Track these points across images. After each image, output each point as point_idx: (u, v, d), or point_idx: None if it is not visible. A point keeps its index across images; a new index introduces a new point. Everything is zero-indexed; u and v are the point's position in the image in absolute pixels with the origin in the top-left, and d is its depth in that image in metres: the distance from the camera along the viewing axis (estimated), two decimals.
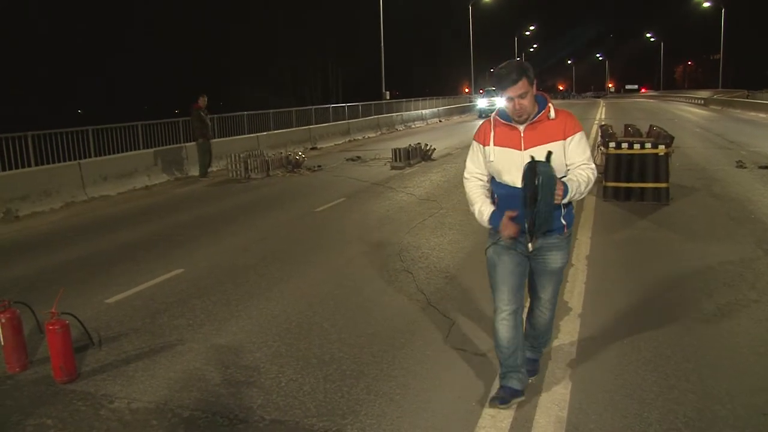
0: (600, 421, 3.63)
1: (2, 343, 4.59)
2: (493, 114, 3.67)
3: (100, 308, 5.93)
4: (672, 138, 10.64)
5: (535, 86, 3.48)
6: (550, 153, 3.39)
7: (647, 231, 8.36)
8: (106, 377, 4.47)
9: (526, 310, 3.97)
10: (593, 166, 3.56)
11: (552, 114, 3.55)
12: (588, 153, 3.57)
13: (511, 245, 3.66)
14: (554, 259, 3.70)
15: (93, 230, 9.85)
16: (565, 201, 3.42)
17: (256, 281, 6.65)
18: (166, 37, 53.07)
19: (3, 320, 4.55)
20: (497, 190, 3.67)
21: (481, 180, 3.76)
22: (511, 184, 3.54)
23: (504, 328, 3.69)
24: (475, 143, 3.76)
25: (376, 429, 3.63)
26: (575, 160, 3.53)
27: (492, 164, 3.62)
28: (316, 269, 7.07)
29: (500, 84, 3.47)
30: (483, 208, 3.69)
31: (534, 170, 3.28)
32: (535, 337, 4.05)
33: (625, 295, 5.80)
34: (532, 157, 3.38)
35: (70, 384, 4.38)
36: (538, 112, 3.53)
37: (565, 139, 3.51)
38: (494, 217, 3.63)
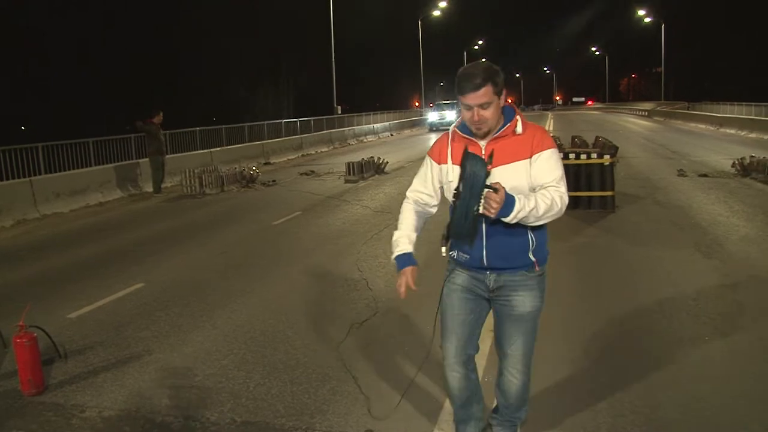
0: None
1: None
2: (453, 126, 3.05)
3: (62, 323, 5.96)
4: (616, 148, 11.15)
5: (503, 96, 2.90)
6: (491, 153, 2.86)
7: (595, 237, 8.73)
8: (74, 388, 4.54)
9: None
10: (563, 190, 2.87)
11: (519, 128, 2.92)
12: (559, 173, 2.89)
13: (467, 284, 3.09)
14: (521, 302, 3.03)
15: (47, 247, 9.79)
16: (509, 218, 2.73)
17: (218, 293, 6.76)
18: (108, 52, 52.39)
19: None
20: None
21: (423, 203, 3.18)
22: None
23: (454, 380, 3.20)
24: (428, 160, 3.14)
25: (343, 426, 3.81)
26: (541, 181, 2.87)
27: (450, 185, 2.96)
28: (277, 281, 7.22)
29: (460, 87, 2.83)
30: (400, 239, 3.14)
31: (463, 163, 2.77)
32: (508, 408, 3.30)
33: (576, 299, 6.10)
34: (466, 148, 2.84)
35: (39, 396, 4.43)
36: (503, 126, 2.92)
37: (531, 156, 2.88)
38: (402, 260, 3.09)
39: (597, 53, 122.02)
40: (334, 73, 38.46)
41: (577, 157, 10.56)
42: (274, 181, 17.08)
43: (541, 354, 3.77)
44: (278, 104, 63.82)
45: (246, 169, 17.04)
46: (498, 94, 2.85)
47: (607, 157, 10.43)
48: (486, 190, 2.67)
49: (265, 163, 22.63)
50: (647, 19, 72.41)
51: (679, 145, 24.13)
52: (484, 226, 2.90)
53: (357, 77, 69.79)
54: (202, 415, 4.01)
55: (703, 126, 36.74)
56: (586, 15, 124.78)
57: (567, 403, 3.98)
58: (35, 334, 4.50)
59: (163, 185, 15.92)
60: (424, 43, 60.44)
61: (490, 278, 3.02)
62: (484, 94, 2.81)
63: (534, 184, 2.87)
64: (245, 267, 7.91)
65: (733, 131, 31.06)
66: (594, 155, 10.50)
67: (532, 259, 2.98)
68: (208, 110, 50.24)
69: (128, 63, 52.40)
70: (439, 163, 3.07)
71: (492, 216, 2.69)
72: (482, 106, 2.82)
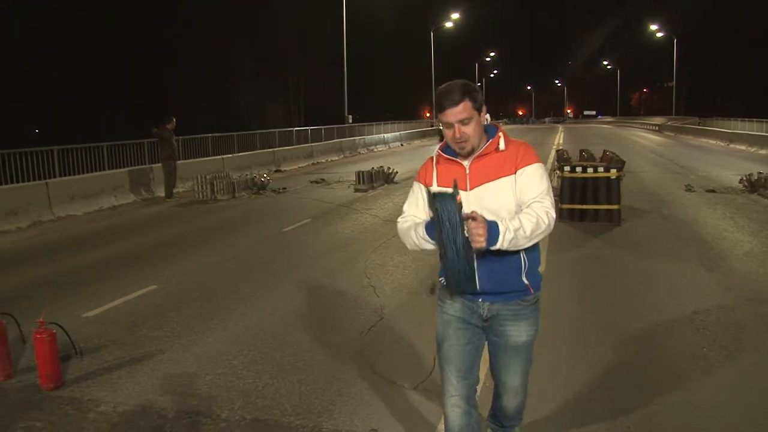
0: None
1: None
2: (437, 148, 3.03)
3: (78, 322, 6.13)
4: (623, 162, 11.25)
5: (483, 113, 2.89)
6: (455, 183, 2.70)
7: (600, 249, 8.86)
8: (90, 384, 4.71)
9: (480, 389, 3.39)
10: (549, 203, 2.78)
11: (502, 145, 2.88)
12: (543, 187, 2.81)
13: (461, 314, 2.98)
14: (517, 332, 2.96)
15: (62, 249, 9.98)
16: (496, 246, 2.62)
17: (229, 297, 6.93)
18: (120, 59, 52.84)
19: None
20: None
21: (415, 219, 3.00)
22: None
23: (454, 415, 3.01)
24: (416, 185, 3.06)
25: (349, 425, 3.96)
26: (526, 197, 2.80)
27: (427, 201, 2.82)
28: (287, 286, 7.37)
29: (439, 105, 2.85)
30: (417, 222, 2.91)
31: (431, 205, 2.61)
32: (505, 420, 3.33)
33: (578, 307, 6.23)
34: (427, 189, 2.77)
35: (56, 390, 4.60)
36: (486, 144, 2.89)
37: (515, 172, 2.82)
38: (430, 226, 2.82)
39: (609, 67, 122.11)
40: (345, 83, 38.71)
41: (584, 170, 10.69)
42: (284, 188, 17.27)
43: (540, 362, 3.89)
44: (288, 113, 64.15)
45: (257, 176, 17.24)
46: (477, 110, 2.83)
47: (613, 171, 10.56)
48: (466, 221, 2.54)
49: (276, 171, 22.84)
50: (659, 34, 72.48)
51: (688, 160, 24.20)
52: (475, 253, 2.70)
53: (368, 87, 70.12)
54: (213, 412, 4.17)
55: (713, 141, 36.76)
56: (598, 28, 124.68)
57: (566, 414, 4.11)
58: (54, 331, 4.67)
59: (175, 190, 16.14)
60: (436, 54, 60.73)
61: (484, 307, 2.92)
62: (463, 109, 2.79)
63: (520, 200, 2.80)
64: (256, 272, 8.08)
65: (743, 147, 31.08)
66: (601, 169, 10.62)
67: (525, 282, 2.89)
68: (218, 117, 50.56)
69: (129, 66, 52.77)
70: (425, 185, 2.95)
71: (483, 246, 2.57)
72: (463, 122, 2.79)
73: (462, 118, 2.79)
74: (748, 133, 33.87)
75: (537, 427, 3.84)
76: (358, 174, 17.07)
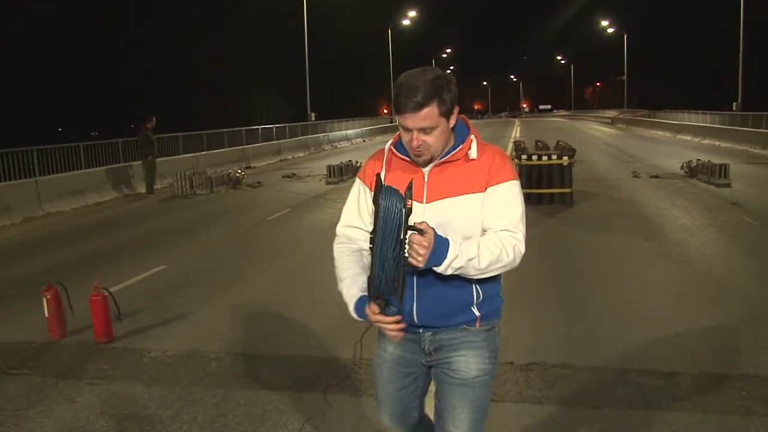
0: None
1: (47, 315, 5.70)
2: (389, 144, 2.42)
3: (113, 291, 7.02)
4: (574, 150, 12.51)
5: (455, 114, 2.28)
6: (410, 183, 2.11)
7: (555, 227, 10.03)
8: (136, 338, 5.65)
9: None
10: (521, 236, 2.27)
11: (473, 152, 2.31)
12: (517, 215, 2.28)
13: (401, 350, 2.46)
14: (463, 364, 2.37)
15: (61, 240, 10.73)
16: (441, 268, 2.13)
17: (236, 270, 7.92)
18: (81, 58, 52.88)
19: (48, 296, 5.65)
20: None
21: (356, 240, 2.46)
22: None
23: None
24: (359, 184, 2.49)
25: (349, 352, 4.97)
26: (493, 223, 2.26)
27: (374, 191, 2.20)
28: (282, 263, 8.38)
29: (397, 104, 2.21)
30: (350, 288, 2.36)
31: (375, 197, 2.07)
32: None
33: (534, 271, 7.36)
34: (377, 176, 2.15)
35: (109, 344, 5.52)
36: (453, 148, 2.31)
37: (485, 189, 2.27)
38: (360, 305, 2.29)
39: (563, 62, 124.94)
40: (308, 82, 39.52)
41: (540, 158, 11.88)
42: (259, 182, 18.16)
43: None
44: (251, 112, 64.59)
45: (233, 172, 18.11)
46: (446, 115, 2.22)
47: (565, 158, 11.78)
48: (409, 232, 2.06)
49: (247, 167, 23.63)
50: (610, 30, 74.72)
51: (637, 150, 25.76)
52: (415, 276, 2.28)
53: (326, 85, 70.86)
54: (249, 352, 5.17)
55: (662, 133, 38.65)
56: (552, 25, 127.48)
57: (525, 355, 5.21)
58: (106, 294, 5.60)
59: (155, 187, 16.92)
60: (393, 51, 61.80)
61: (425, 339, 2.38)
62: (427, 116, 2.18)
63: (486, 224, 2.27)
64: (253, 251, 9.05)
65: (688, 138, 32.90)
66: (554, 156, 11.83)
67: (476, 313, 2.33)
68: (175, 117, 51.03)
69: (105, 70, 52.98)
70: (372, 190, 2.30)
71: (419, 265, 2.08)
72: (424, 131, 2.21)
73: (423, 126, 2.19)
74: (693, 125, 35.79)
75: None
76: (329, 168, 18.09)
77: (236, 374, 4.80)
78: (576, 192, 12.15)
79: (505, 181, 2.27)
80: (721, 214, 10.73)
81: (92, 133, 44.08)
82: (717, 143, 28.30)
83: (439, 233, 2.11)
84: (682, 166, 16.47)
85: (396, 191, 2.03)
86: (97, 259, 8.97)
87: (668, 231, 9.44)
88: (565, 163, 11.76)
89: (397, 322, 2.18)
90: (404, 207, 2.02)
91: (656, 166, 18.59)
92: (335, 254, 2.49)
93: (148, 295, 7.00)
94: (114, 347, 5.46)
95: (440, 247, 2.09)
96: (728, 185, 13.94)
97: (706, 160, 15.72)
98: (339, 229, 2.51)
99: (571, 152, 12.16)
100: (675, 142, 31.32)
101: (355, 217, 2.46)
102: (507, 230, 2.23)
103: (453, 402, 2.38)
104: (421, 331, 2.38)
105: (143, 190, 16.83)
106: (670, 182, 14.98)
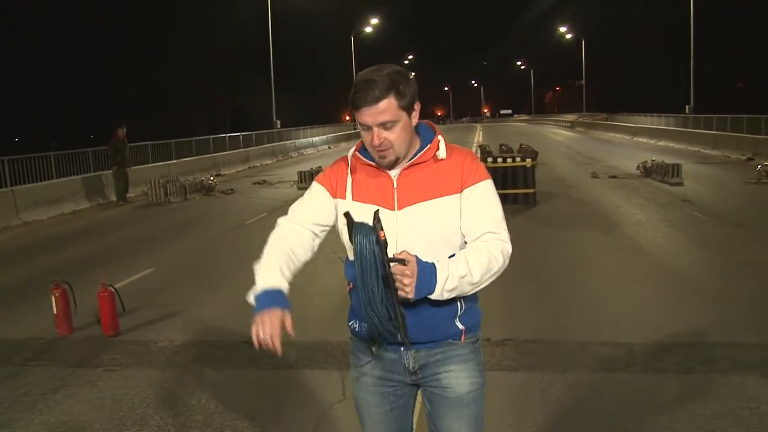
0: None
1: (55, 312, 6.12)
2: (352, 150, 2.30)
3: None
4: (536, 153, 13.24)
5: (416, 112, 2.17)
6: (376, 212, 1.99)
7: (520, 224, 10.68)
8: (141, 331, 6.10)
9: None
10: (505, 235, 2.17)
11: (442, 152, 2.21)
12: (498, 214, 2.19)
13: (381, 370, 2.28)
14: (455, 380, 2.25)
15: (43, 247, 10.97)
16: (433, 297, 2.01)
17: (222, 270, 8.40)
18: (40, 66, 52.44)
19: (56, 294, 6.08)
20: (352, 275, 2.15)
21: (300, 235, 2.31)
22: None
23: None
24: (317, 187, 2.33)
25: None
26: (476, 227, 2.15)
27: (347, 230, 2.03)
28: None
29: (353, 100, 2.12)
30: (264, 273, 2.23)
31: (350, 236, 1.97)
32: None
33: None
34: (347, 214, 2.01)
35: (116, 337, 5.97)
36: (420, 150, 2.22)
37: (461, 191, 2.17)
38: (264, 298, 2.20)
39: (522, 67, 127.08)
40: (273, 90, 39.94)
41: (504, 161, 12.57)
42: (232, 189, 18.56)
43: None
44: (213, 120, 64.58)
45: (205, 179, 18.49)
46: (406, 109, 2.12)
47: (528, 160, 12.48)
48: (391, 264, 1.93)
49: (217, 175, 23.94)
50: (568, 36, 76.49)
51: (596, 152, 26.76)
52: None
53: (289, 92, 71.19)
54: (247, 339, 5.63)
55: (619, 135, 39.94)
56: (512, 31, 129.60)
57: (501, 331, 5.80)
58: (112, 290, 6.06)
59: (127, 195, 17.18)
60: (356, 59, 62.40)
61: (408, 357, 2.24)
62: (386, 108, 2.08)
63: (466, 229, 2.16)
64: (235, 253, 9.48)
65: (645, 140, 34.13)
66: (518, 159, 12.53)
67: (460, 327, 2.22)
68: (145, 127, 50.90)
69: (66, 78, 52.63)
70: (334, 196, 2.27)
71: (409, 297, 1.94)
72: (384, 126, 2.10)
73: (383, 120, 2.09)
74: (649, 127, 37.13)
75: None
76: (300, 173, 18.59)
77: (240, 358, 5.30)
78: (539, 192, 12.87)
79: (481, 180, 2.18)
80: (673, 210, 11.53)
81: (51, 144, 43.87)
82: (671, 145, 29.47)
83: (418, 253, 2.00)
84: (638, 166, 17.37)
85: (367, 225, 1.94)
86: (84, 264, 9.30)
87: (624, 226, 10.18)
88: (529, 165, 12.46)
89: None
90: (378, 240, 1.91)
91: (614, 167, 19.48)
92: (271, 239, 2.32)
93: (143, 295, 7.42)
94: (121, 340, 5.92)
95: (426, 273, 1.96)
96: (681, 184, 14.83)
97: (660, 161, 16.63)
98: (281, 220, 2.38)
99: (533, 155, 12.89)
100: (632, 144, 32.48)
101: (306, 212, 2.32)
102: (491, 232, 2.13)
103: (450, 423, 2.25)
104: (402, 349, 2.23)
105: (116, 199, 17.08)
106: (627, 182, 15.83)
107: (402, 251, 1.96)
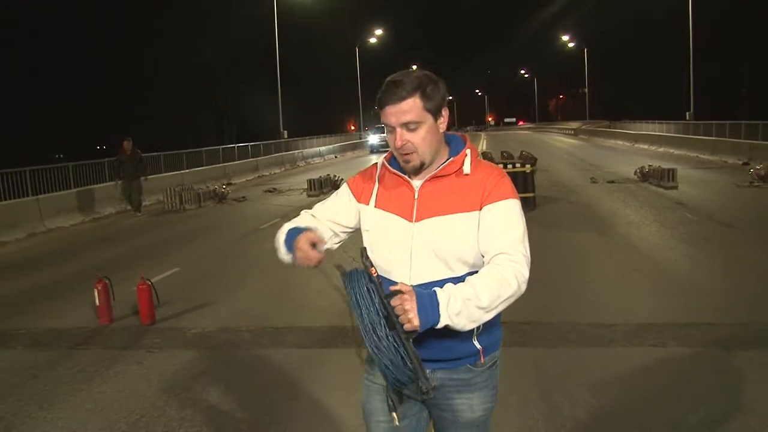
0: None
1: (98, 304, 6.79)
2: (383, 157, 2.32)
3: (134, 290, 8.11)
4: (535, 159, 13.90)
5: (445, 117, 2.15)
6: (363, 249, 2.05)
7: None
8: (176, 321, 6.77)
9: None
10: (520, 257, 2.03)
11: (467, 167, 2.15)
12: (518, 233, 2.07)
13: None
14: (467, 407, 2.21)
15: (70, 253, 11.64)
16: (440, 325, 1.88)
17: (244, 268, 9.12)
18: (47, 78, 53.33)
19: (99, 287, 6.76)
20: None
21: (320, 222, 2.41)
22: (389, 277, 2.15)
23: None
24: (346, 189, 2.40)
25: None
26: (492, 246, 2.05)
27: (368, 235, 2.27)
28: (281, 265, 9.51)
29: (379, 99, 2.12)
30: (285, 226, 2.35)
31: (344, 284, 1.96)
32: None
33: None
34: (339, 266, 2.02)
35: (153, 326, 6.63)
36: (446, 161, 2.18)
37: (480, 209, 2.09)
38: (290, 233, 2.27)
39: (526, 75, 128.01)
40: (280, 100, 40.67)
41: (505, 167, 13.21)
42: (244, 197, 19.27)
43: None
44: (221, 131, 65.46)
45: (217, 188, 19.21)
46: (432, 112, 2.10)
47: (528, 166, 13.14)
48: (389, 299, 1.87)
49: (227, 184, 24.64)
50: (571, 44, 77.26)
51: (597, 159, 27.44)
52: None
53: (295, 102, 72.05)
54: (274, 326, 6.33)
55: (621, 142, 40.60)
56: (515, 39, 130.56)
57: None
58: (149, 283, 6.72)
59: (144, 204, 17.70)
60: (361, 68, 63.22)
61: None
62: (410, 108, 2.06)
63: (483, 248, 2.08)
64: (255, 253, 10.18)
65: (645, 146, 34.77)
66: (518, 165, 13.18)
67: (477, 346, 2.17)
68: (147, 138, 51.67)
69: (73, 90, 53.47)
70: (359, 201, 2.32)
71: (416, 326, 1.84)
72: (407, 126, 2.08)
73: (406, 120, 2.07)
74: (650, 134, 37.75)
75: None
76: (310, 181, 19.33)
77: (267, 340, 5.97)
78: (539, 197, 13.51)
79: (504, 199, 2.09)
80: (665, 211, 12.17)
81: (56, 156, 44.50)
82: (671, 151, 30.08)
83: (431, 268, 2.08)
84: (635, 171, 18.02)
85: (357, 272, 1.91)
86: (112, 266, 9.90)
87: (619, 227, 10.83)
88: (528, 171, 13.11)
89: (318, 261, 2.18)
90: (371, 278, 1.89)
91: (613, 173, 20.14)
92: (291, 221, 2.41)
93: (172, 290, 8.06)
94: (158, 327, 6.58)
95: (426, 297, 1.86)
96: (675, 187, 15.47)
97: (657, 166, 17.28)
98: (303, 212, 2.45)
99: (533, 161, 13.54)
100: (633, 150, 33.09)
101: (329, 212, 2.40)
102: (504, 253, 2.00)
103: None
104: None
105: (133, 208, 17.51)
106: (624, 186, 16.49)
107: (397, 284, 1.90)
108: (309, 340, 5.90)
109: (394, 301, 1.84)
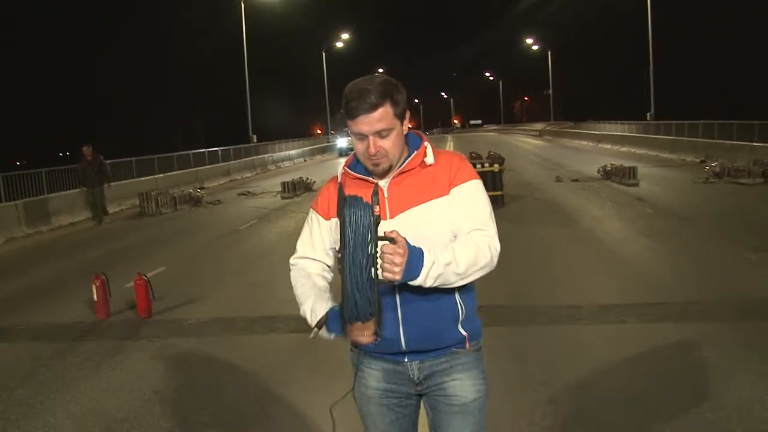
0: None
1: (96, 299, 7.16)
2: (342, 166, 2.35)
3: (126, 289, 8.43)
4: (503, 159, 14.52)
5: (407, 119, 2.24)
6: (375, 189, 2.17)
7: None
8: (172, 313, 7.16)
9: None
10: (493, 232, 2.20)
11: (429, 158, 2.25)
12: (486, 211, 2.22)
13: (385, 382, 2.30)
14: (460, 388, 2.27)
15: (54, 255, 11.94)
16: (416, 282, 2.00)
17: (228, 266, 9.55)
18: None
19: (97, 283, 7.13)
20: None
21: (311, 272, 2.39)
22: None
23: None
24: (313, 215, 2.41)
25: None
26: (463, 225, 2.18)
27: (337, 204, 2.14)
28: (263, 261, 9.96)
29: (349, 109, 2.15)
30: (315, 305, 2.25)
31: (340, 212, 1.98)
32: None
33: None
34: (339, 186, 2.20)
35: (150, 318, 7.02)
36: (408, 157, 2.25)
37: (449, 192, 2.20)
38: (334, 320, 2.17)
39: (491, 78, 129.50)
40: (248, 105, 40.86)
41: (474, 166, 13.67)
42: (218, 200, 19.60)
43: None
44: (189, 134, 65.38)
45: (192, 192, 19.52)
46: (400, 117, 2.19)
47: (496, 165, 13.76)
48: (380, 243, 1.94)
49: (200, 188, 24.91)
50: (534, 47, 78.52)
51: (562, 159, 28.28)
52: (397, 295, 2.17)
53: (261, 107, 72.07)
54: (262, 314, 6.77)
55: (585, 142, 41.66)
56: (480, 42, 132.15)
57: None
58: (146, 279, 7.12)
59: (118, 207, 17.89)
60: (328, 72, 63.58)
61: (413, 368, 2.27)
62: (382, 117, 2.13)
63: (455, 228, 2.19)
64: (237, 253, 10.59)
65: (609, 146, 35.79)
66: (487, 164, 13.78)
67: (463, 333, 2.25)
68: (122, 145, 51.57)
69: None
70: (327, 218, 2.35)
71: (396, 279, 1.95)
72: (380, 134, 2.15)
73: (379, 128, 2.14)
74: (613, 134, 38.83)
75: None
76: (284, 184, 19.73)
77: (260, 327, 6.42)
78: (506, 195, 14.11)
79: (468, 180, 2.22)
80: (626, 207, 12.88)
81: (17, 162, 44.09)
82: (633, 150, 31.06)
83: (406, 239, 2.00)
84: (598, 170, 18.79)
85: (360, 199, 1.95)
86: (99, 266, 10.12)
87: (583, 221, 11.49)
88: (496, 170, 13.71)
89: (375, 334, 2.07)
90: (372, 215, 1.92)
91: (577, 172, 20.91)
92: (293, 281, 2.39)
93: (162, 287, 8.34)
94: (155, 320, 6.98)
95: (415, 256, 1.96)
96: (636, 184, 16.25)
97: (619, 165, 18.05)
98: (292, 260, 2.44)
99: (501, 160, 14.17)
100: (596, 150, 34.06)
101: (308, 248, 2.40)
102: (478, 229, 2.15)
103: (451, 430, 2.28)
104: (406, 360, 2.25)
105: (109, 213, 17.51)
106: (588, 184, 17.23)
107: (393, 230, 1.95)
108: (300, 326, 6.34)
109: (386, 248, 1.93)
